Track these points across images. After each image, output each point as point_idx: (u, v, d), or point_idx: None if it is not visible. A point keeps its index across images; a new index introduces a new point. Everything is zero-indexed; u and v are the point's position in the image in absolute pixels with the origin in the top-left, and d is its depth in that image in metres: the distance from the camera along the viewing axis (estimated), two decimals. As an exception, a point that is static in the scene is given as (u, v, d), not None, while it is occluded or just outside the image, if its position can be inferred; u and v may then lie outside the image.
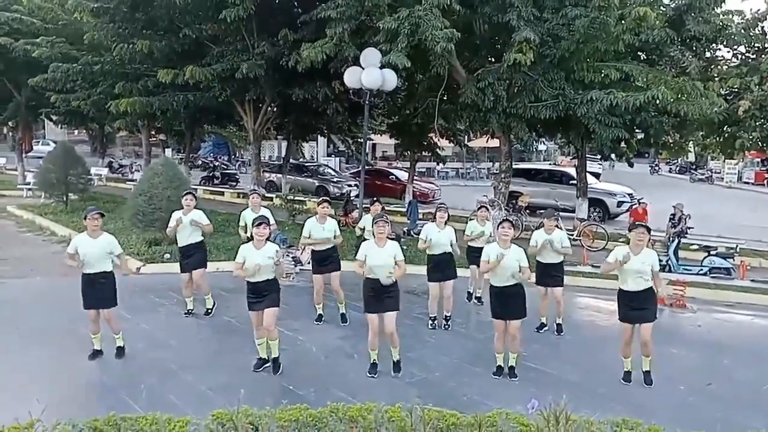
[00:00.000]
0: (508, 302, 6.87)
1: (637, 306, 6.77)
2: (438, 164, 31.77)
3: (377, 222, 6.91)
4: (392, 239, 7.16)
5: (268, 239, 6.85)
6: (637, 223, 7.22)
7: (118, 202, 18.60)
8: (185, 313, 9.04)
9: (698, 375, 7.42)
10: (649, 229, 6.93)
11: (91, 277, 6.97)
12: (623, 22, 11.63)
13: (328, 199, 9.39)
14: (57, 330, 8.17)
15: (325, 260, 8.72)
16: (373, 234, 7.02)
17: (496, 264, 6.75)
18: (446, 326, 8.78)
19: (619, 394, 6.72)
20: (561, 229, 8.98)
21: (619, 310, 6.98)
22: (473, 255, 9.48)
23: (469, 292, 10.20)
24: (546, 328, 8.78)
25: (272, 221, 8.88)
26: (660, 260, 12.17)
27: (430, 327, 8.73)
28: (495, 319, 6.99)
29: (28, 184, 22.01)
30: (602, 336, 8.86)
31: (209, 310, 9.09)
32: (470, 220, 10.60)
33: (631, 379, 6.97)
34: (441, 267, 8.61)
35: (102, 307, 7.06)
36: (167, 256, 11.97)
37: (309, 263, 9.96)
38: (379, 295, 6.77)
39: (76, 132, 44.76)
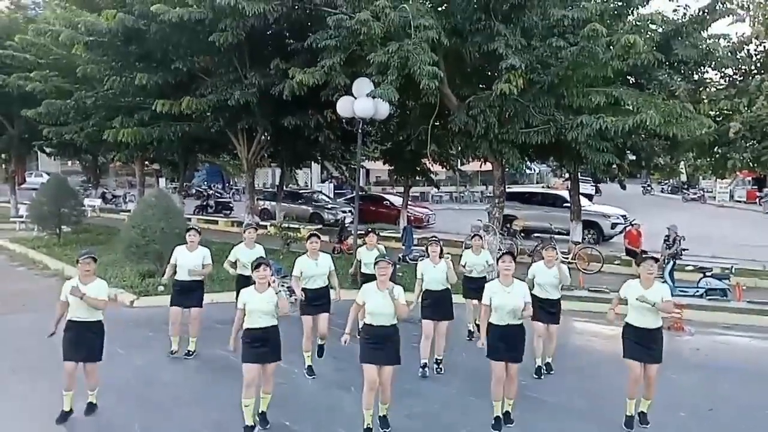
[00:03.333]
0: (508, 342, 6.38)
1: (647, 344, 6.39)
2: (432, 189, 32.04)
3: (379, 263, 6.34)
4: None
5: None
6: (645, 255, 6.96)
7: (111, 234, 18.50)
8: (170, 353, 8.61)
9: (699, 400, 7.37)
10: (657, 260, 6.62)
11: (78, 326, 6.43)
12: (612, 48, 11.78)
13: (317, 233, 8.64)
14: (49, 366, 7.99)
15: (317, 300, 8.03)
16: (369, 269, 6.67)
17: (490, 309, 6.43)
18: (438, 370, 8.21)
19: (619, 421, 6.63)
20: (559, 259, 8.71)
21: (624, 347, 6.54)
22: (470, 288, 9.14)
23: (470, 330, 9.65)
24: (544, 370, 8.22)
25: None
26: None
27: (420, 375, 7.98)
28: (493, 360, 6.45)
29: (21, 216, 21.89)
30: (600, 361, 8.80)
31: (191, 353, 8.66)
32: (465, 249, 10.44)
33: (633, 425, 6.51)
34: (438, 304, 8.07)
35: (86, 360, 6.51)
36: (161, 288, 11.86)
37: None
38: (379, 345, 6.16)
39: (69, 163, 44.66)
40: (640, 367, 6.40)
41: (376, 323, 6.21)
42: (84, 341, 6.45)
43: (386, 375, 6.20)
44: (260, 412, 6.42)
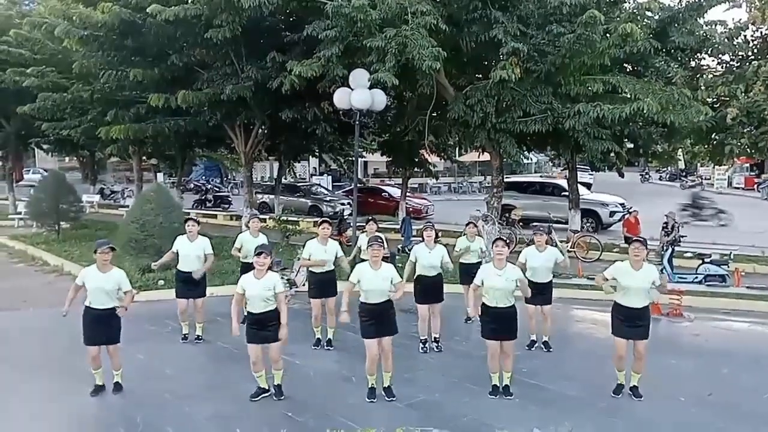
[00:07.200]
0: (501, 323, 6.74)
1: (633, 323, 6.70)
2: (430, 180, 32.03)
3: (372, 245, 6.76)
4: (386, 257, 7.08)
5: (270, 268, 6.70)
6: (633, 238, 7.16)
7: (110, 229, 18.47)
8: (182, 339, 9.03)
9: (698, 385, 7.38)
10: (645, 243, 6.85)
11: (97, 313, 6.81)
12: (608, 36, 11.75)
13: (328, 220, 9.27)
14: (50, 363, 8.07)
15: (324, 284, 8.57)
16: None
17: (479, 289, 6.76)
18: (437, 348, 8.58)
19: (619, 408, 6.68)
20: (554, 241, 8.93)
21: (612, 324, 6.91)
22: (465, 273, 9.27)
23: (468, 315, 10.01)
24: (537, 345, 8.67)
25: None
26: (655, 270, 12.22)
27: (421, 350, 8.49)
28: (487, 339, 6.87)
29: (20, 213, 21.87)
30: (599, 349, 8.80)
31: (200, 337, 9.06)
32: (462, 235, 10.55)
33: (622, 392, 6.92)
34: (430, 289, 8.38)
35: (106, 343, 6.93)
36: (161, 282, 11.88)
37: (305, 285, 9.87)
38: (376, 320, 6.65)
39: (66, 159, 44.61)
40: (625, 345, 6.80)
41: (370, 301, 6.68)
42: (102, 326, 6.85)
43: (386, 345, 6.71)
44: (275, 384, 6.87)
